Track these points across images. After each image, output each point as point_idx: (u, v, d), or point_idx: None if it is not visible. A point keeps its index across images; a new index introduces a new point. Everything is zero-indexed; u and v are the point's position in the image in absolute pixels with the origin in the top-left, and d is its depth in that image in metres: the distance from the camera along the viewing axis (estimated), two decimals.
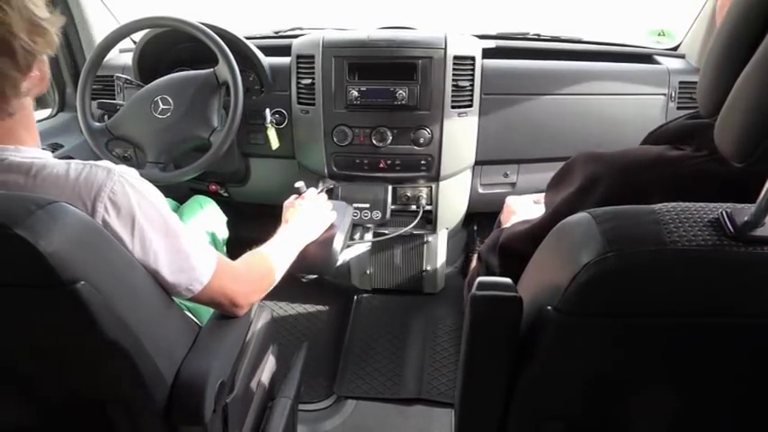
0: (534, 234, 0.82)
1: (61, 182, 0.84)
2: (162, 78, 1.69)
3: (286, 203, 1.46)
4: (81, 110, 1.65)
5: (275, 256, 1.20)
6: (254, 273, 1.12)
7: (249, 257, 1.15)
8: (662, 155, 0.76)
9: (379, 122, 1.78)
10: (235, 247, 1.18)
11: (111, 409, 0.91)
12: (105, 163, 0.88)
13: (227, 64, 1.61)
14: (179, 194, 1.72)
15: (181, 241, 0.94)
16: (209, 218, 1.61)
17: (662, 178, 0.74)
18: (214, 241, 1.57)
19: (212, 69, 1.64)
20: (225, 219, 1.70)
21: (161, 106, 1.64)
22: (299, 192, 1.49)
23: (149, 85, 1.69)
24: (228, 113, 1.64)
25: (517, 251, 0.87)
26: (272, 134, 1.83)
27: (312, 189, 1.52)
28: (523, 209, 1.29)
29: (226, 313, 1.08)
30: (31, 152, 0.89)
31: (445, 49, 1.74)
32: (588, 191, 0.77)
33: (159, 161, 1.66)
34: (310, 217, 1.41)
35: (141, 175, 0.93)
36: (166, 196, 1.00)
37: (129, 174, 0.89)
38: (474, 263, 1.06)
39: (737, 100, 0.56)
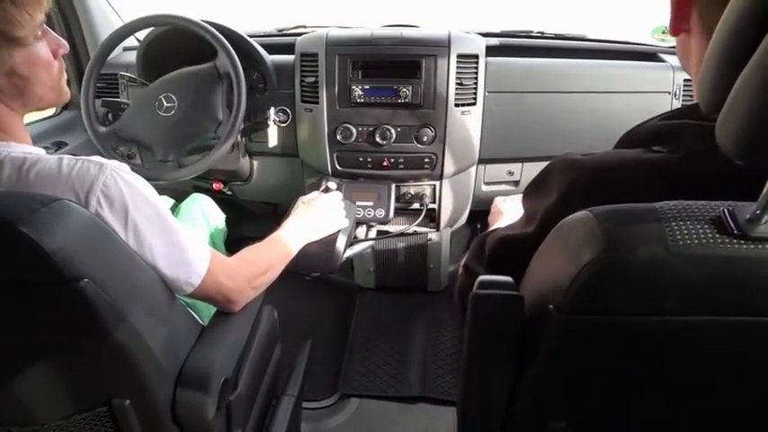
0: (522, 245, 0.81)
1: (54, 176, 0.85)
2: (164, 77, 1.69)
3: (304, 198, 1.46)
4: (85, 111, 1.66)
5: (274, 252, 1.20)
6: (250, 269, 1.11)
7: (246, 253, 1.15)
8: (638, 158, 0.75)
9: (382, 120, 1.78)
10: (237, 246, 1.18)
11: (115, 406, 0.91)
12: (97, 158, 0.89)
13: (227, 57, 1.62)
14: (177, 193, 1.72)
15: (175, 235, 0.95)
16: (207, 215, 1.61)
17: (640, 182, 0.73)
18: (212, 239, 1.57)
19: (213, 63, 1.64)
20: (223, 216, 1.70)
21: (165, 104, 1.64)
22: (327, 189, 1.49)
23: (152, 84, 1.69)
24: (233, 107, 1.65)
25: (506, 262, 0.86)
26: (271, 131, 1.83)
27: (338, 192, 1.52)
28: (511, 210, 1.28)
29: (221, 309, 1.09)
30: (24, 148, 0.91)
31: (449, 47, 1.74)
32: (568, 199, 0.76)
33: (168, 159, 1.67)
34: (321, 216, 1.41)
35: (147, 174, 0.94)
36: (164, 194, 1.01)
37: (121, 168, 0.90)
38: (461, 270, 1.05)
39: (739, 97, 0.55)
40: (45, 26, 0.90)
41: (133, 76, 1.87)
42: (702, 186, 0.66)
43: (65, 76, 0.97)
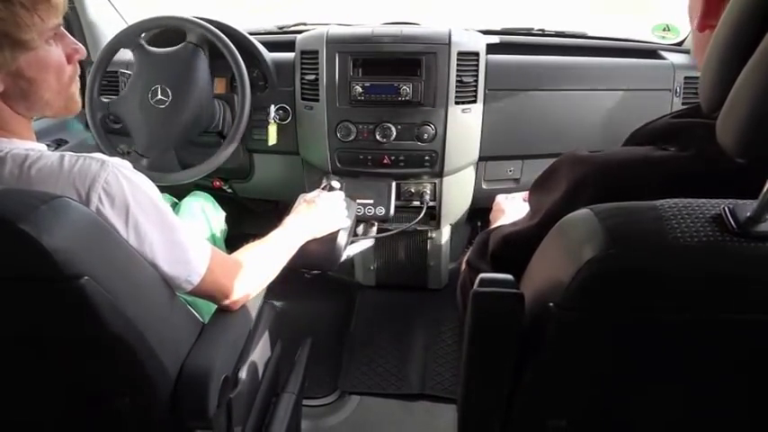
0: (525, 240, 0.81)
1: (55, 173, 0.85)
2: (174, 59, 1.69)
3: (305, 195, 1.46)
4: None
5: (273, 251, 1.20)
6: (250, 267, 1.12)
7: (245, 251, 1.15)
8: (648, 156, 0.75)
9: (383, 118, 1.78)
10: (237, 243, 1.19)
11: (117, 404, 0.92)
12: (99, 155, 0.89)
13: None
14: (177, 190, 1.73)
15: (176, 233, 0.95)
16: (207, 213, 1.61)
17: (649, 180, 0.73)
18: (212, 236, 1.57)
19: (184, 42, 1.67)
20: (223, 214, 1.70)
21: (159, 96, 1.65)
22: (330, 187, 1.49)
23: (161, 56, 1.70)
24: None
25: (509, 258, 0.86)
26: (271, 129, 1.83)
27: (341, 192, 1.52)
28: (513, 208, 1.28)
29: (221, 307, 1.09)
30: (26, 144, 0.90)
31: (449, 44, 1.73)
32: (575, 195, 0.77)
33: (145, 155, 1.68)
34: (322, 214, 1.41)
35: (149, 176, 0.94)
36: (164, 192, 1.01)
37: (123, 165, 0.90)
38: (463, 267, 1.05)
39: (740, 95, 0.55)
40: (62, 29, 0.90)
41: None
42: (712, 185, 0.66)
43: (77, 83, 0.96)
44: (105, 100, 1.70)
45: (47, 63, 0.88)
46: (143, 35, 1.70)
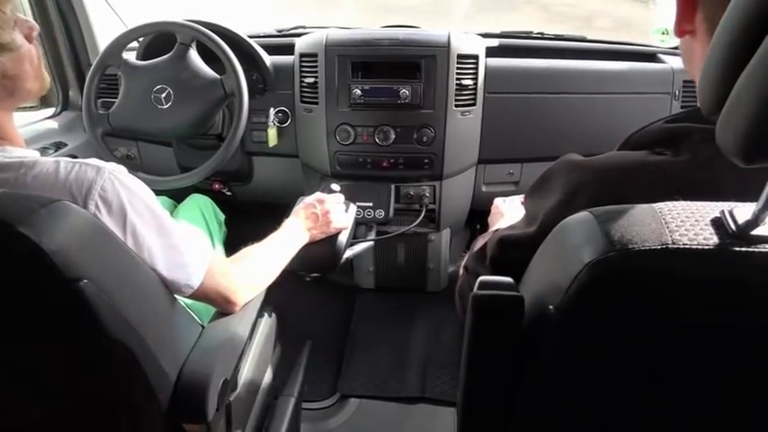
0: (524, 245, 0.81)
1: (51, 180, 0.85)
2: (165, 65, 1.66)
3: (306, 199, 1.46)
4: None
5: (272, 254, 1.20)
6: (249, 270, 1.12)
7: (245, 254, 1.15)
8: (643, 161, 0.75)
9: (382, 121, 1.78)
10: (236, 246, 1.19)
11: (114, 406, 0.91)
12: (95, 161, 0.89)
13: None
14: (176, 193, 1.73)
15: (174, 238, 0.95)
16: (206, 216, 1.61)
17: (644, 185, 0.73)
18: (211, 240, 1.57)
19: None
20: (223, 217, 1.70)
21: (161, 96, 1.64)
22: (330, 191, 1.50)
23: (150, 68, 1.66)
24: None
25: (507, 263, 0.86)
26: (271, 132, 1.83)
27: (340, 195, 1.52)
28: (511, 211, 1.28)
29: (220, 310, 1.09)
30: (19, 152, 0.90)
31: (448, 47, 1.73)
32: (571, 200, 0.76)
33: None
34: (322, 217, 1.40)
35: (145, 179, 0.94)
36: (163, 195, 1.01)
37: (119, 171, 0.90)
38: (461, 272, 1.04)
39: (741, 97, 0.55)
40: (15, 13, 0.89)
41: None
42: (706, 190, 0.66)
43: (42, 61, 0.95)
44: (102, 112, 1.68)
45: (21, 55, 0.88)
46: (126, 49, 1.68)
